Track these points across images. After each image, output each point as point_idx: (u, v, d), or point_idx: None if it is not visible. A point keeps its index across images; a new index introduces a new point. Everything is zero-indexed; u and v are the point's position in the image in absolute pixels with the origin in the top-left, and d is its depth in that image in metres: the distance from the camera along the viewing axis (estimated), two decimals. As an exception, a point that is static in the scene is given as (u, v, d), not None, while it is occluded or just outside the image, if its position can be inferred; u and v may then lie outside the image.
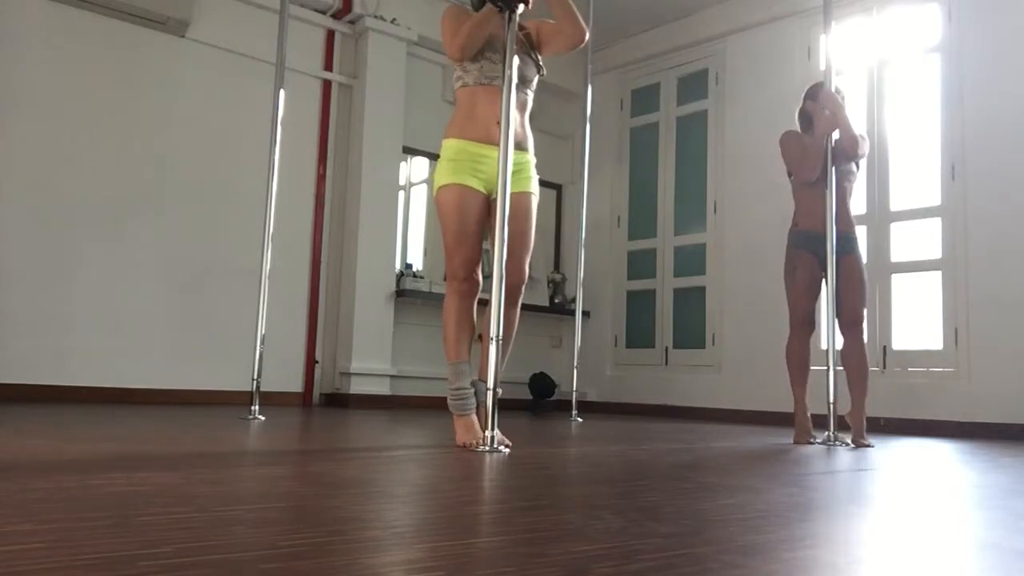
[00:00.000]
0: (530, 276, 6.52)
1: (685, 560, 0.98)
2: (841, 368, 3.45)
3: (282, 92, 3.87)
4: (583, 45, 2.75)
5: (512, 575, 0.87)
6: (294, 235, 5.20)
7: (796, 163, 3.61)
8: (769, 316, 5.31)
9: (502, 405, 2.47)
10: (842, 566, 1.04)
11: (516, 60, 2.56)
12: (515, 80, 2.55)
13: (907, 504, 1.69)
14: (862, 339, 3.48)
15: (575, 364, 5.01)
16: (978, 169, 4.54)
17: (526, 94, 2.70)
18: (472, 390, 2.62)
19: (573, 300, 5.48)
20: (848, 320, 3.48)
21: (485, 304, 2.64)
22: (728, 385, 5.51)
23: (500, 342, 2.46)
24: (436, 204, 2.73)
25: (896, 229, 4.89)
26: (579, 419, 4.61)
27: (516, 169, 2.63)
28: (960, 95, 4.66)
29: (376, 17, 5.48)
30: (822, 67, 3.95)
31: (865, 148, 3.66)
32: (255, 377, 3.63)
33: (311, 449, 2.45)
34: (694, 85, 6.09)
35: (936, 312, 4.63)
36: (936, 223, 4.72)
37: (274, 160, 3.79)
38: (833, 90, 3.61)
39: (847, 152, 3.57)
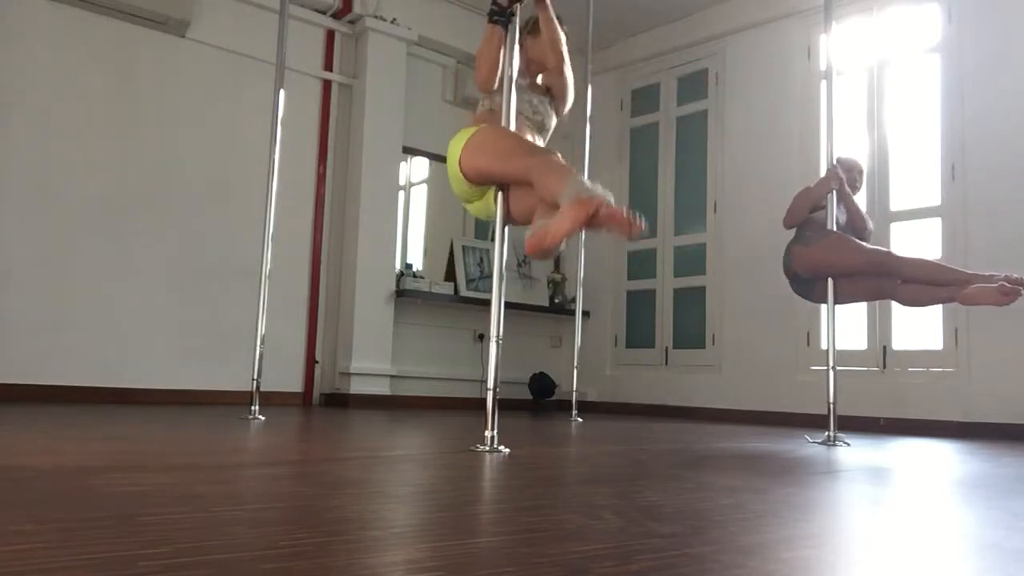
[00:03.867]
0: (530, 276, 6.45)
1: (685, 560, 0.98)
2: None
3: (282, 92, 3.87)
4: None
5: (512, 575, 0.87)
6: (294, 235, 5.20)
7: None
8: (769, 316, 5.32)
9: (502, 405, 2.47)
10: (841, 566, 1.04)
11: (534, 97, 2.67)
12: (514, 87, 2.56)
13: (906, 504, 1.69)
14: None
15: (575, 364, 5.00)
16: (978, 169, 4.53)
17: (544, 139, 2.76)
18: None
19: (573, 300, 5.48)
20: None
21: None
22: (728, 385, 5.51)
23: (500, 342, 2.46)
24: (468, 148, 2.52)
25: (896, 229, 4.89)
26: (579, 419, 4.61)
27: None
28: (960, 95, 4.66)
29: (376, 17, 5.48)
30: (822, 67, 3.96)
31: (871, 226, 3.82)
32: (255, 377, 3.63)
33: (311, 449, 2.45)
34: (694, 85, 6.09)
35: (936, 312, 4.62)
36: (936, 223, 4.72)
37: (274, 160, 3.79)
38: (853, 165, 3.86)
39: (856, 228, 3.71)
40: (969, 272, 3.55)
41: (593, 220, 2.14)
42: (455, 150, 2.60)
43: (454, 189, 2.71)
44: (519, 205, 2.49)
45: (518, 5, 2.60)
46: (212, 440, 2.52)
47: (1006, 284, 3.26)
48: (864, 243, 3.73)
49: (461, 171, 2.55)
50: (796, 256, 3.73)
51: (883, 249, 3.80)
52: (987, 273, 3.47)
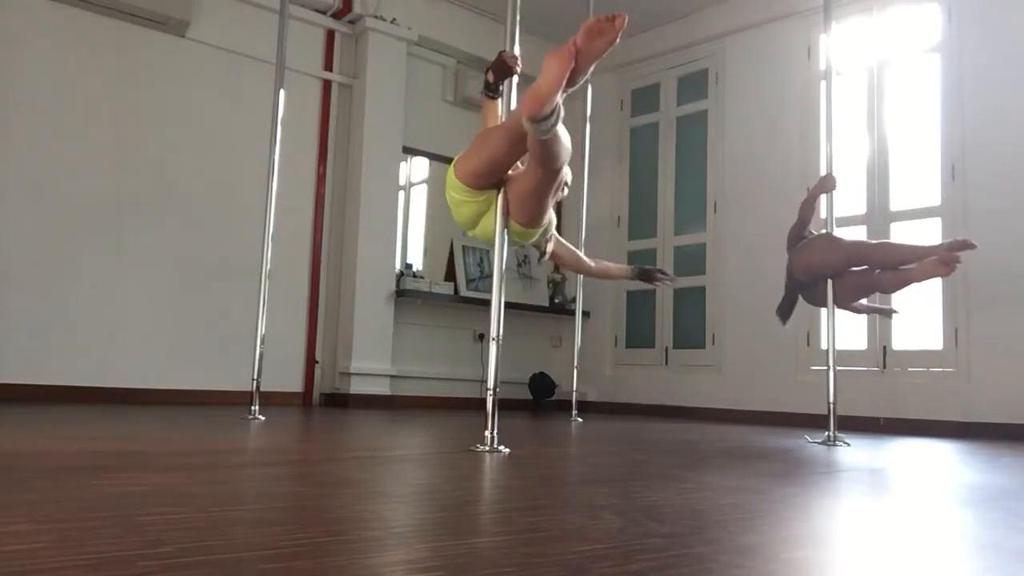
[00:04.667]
0: (530, 276, 6.48)
1: (685, 560, 0.98)
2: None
3: (282, 92, 3.87)
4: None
5: (512, 575, 0.87)
6: (294, 235, 5.20)
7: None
8: (769, 316, 5.31)
9: (502, 405, 2.47)
10: (841, 566, 1.04)
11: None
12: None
13: (907, 504, 1.69)
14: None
15: (575, 364, 5.00)
16: (978, 169, 4.53)
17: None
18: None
19: (573, 300, 5.48)
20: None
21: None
22: (728, 385, 5.51)
23: (500, 342, 2.46)
24: (460, 160, 2.58)
25: (896, 229, 4.89)
26: (579, 419, 4.61)
27: None
28: (960, 95, 4.66)
29: (376, 17, 5.48)
30: (822, 67, 3.97)
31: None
32: (255, 377, 3.63)
33: (311, 449, 2.45)
34: (694, 85, 6.09)
35: (936, 312, 4.63)
36: (936, 223, 4.72)
37: (274, 160, 3.79)
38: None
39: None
40: (926, 246, 3.56)
41: (577, 53, 2.24)
42: (450, 171, 2.63)
43: (455, 216, 2.70)
44: (517, 188, 2.52)
45: (505, 80, 2.69)
46: (212, 440, 2.52)
47: (945, 254, 3.27)
48: (846, 239, 3.73)
49: (458, 180, 2.56)
50: (795, 262, 3.77)
51: (859, 240, 3.86)
52: (939, 243, 3.50)
